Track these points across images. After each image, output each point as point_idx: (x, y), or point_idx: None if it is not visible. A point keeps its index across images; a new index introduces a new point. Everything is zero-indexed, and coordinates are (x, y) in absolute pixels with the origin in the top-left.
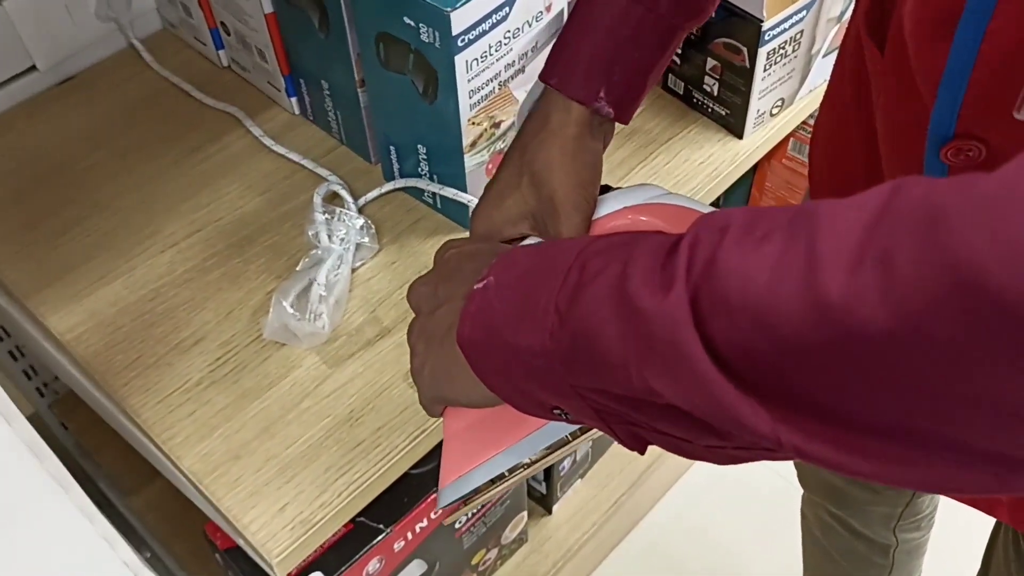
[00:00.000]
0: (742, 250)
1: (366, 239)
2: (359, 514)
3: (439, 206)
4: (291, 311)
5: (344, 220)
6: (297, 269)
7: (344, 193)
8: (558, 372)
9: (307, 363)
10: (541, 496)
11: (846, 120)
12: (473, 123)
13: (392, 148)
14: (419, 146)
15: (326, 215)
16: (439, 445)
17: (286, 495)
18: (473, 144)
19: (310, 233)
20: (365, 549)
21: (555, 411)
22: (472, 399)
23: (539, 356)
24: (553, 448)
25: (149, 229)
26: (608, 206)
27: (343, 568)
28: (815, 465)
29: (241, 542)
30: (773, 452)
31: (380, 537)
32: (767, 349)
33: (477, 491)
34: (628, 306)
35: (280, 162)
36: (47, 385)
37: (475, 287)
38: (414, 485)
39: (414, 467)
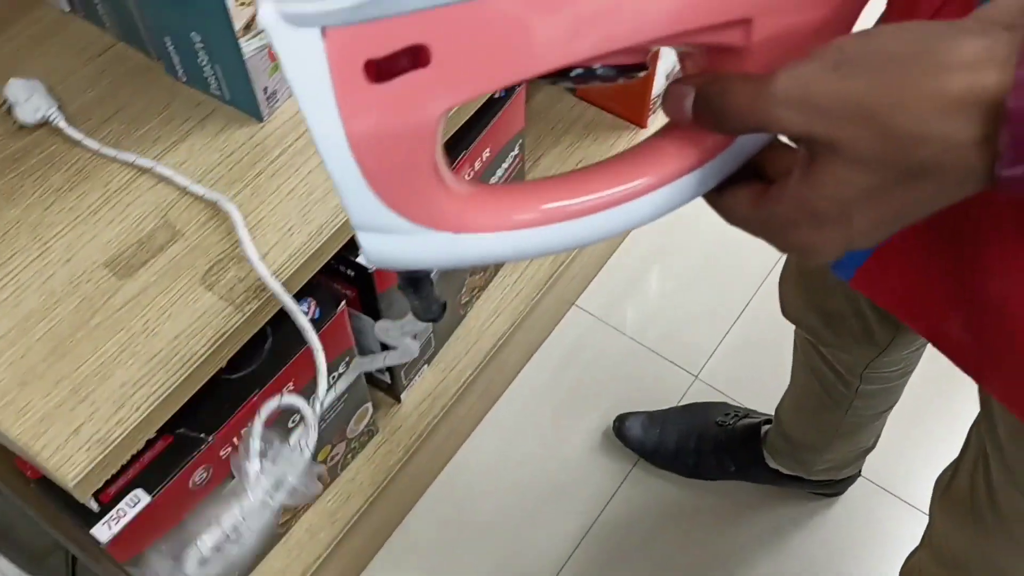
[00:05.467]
0: None
1: None
2: (178, 425)
3: (228, 98)
4: None
5: None
6: None
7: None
8: None
9: (96, 277)
10: (388, 386)
11: None
12: (243, 3)
13: (168, 40)
14: (192, 35)
15: None
16: (244, 348)
17: (80, 416)
18: (247, 28)
19: None
20: (186, 460)
21: None
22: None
23: None
24: None
25: None
26: None
27: (164, 482)
28: None
29: (41, 469)
30: None
31: (202, 447)
32: None
33: None
34: None
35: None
36: None
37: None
38: (234, 390)
39: (228, 372)
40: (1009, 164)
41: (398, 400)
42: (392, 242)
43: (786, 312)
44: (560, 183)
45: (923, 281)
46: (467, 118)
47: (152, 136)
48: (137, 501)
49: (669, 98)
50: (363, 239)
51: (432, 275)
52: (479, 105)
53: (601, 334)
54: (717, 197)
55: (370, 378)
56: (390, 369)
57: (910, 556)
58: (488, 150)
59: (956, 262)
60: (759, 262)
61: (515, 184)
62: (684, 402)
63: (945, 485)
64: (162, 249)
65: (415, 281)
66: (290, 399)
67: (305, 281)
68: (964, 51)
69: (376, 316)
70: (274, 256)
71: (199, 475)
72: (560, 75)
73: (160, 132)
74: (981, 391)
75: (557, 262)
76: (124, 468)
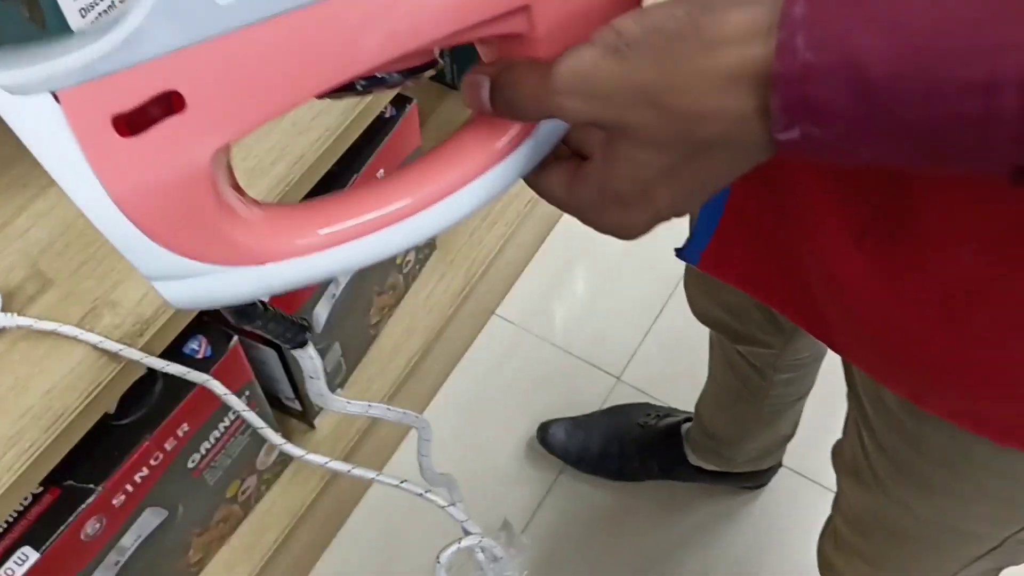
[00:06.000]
0: None
1: None
2: (65, 477)
3: None
4: None
5: None
6: None
7: None
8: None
9: None
10: (299, 412)
11: None
12: None
13: None
14: None
15: None
16: (133, 391)
17: None
18: None
19: None
20: (75, 513)
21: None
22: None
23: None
24: None
25: None
26: None
27: (53, 537)
28: None
29: None
30: None
31: (91, 497)
32: None
33: None
34: None
35: None
36: None
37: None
38: (123, 437)
39: (117, 419)
40: (783, 129)
41: (312, 426)
42: (195, 285)
43: (695, 312)
44: (369, 192)
45: (762, 256)
46: (355, 139)
47: (20, 182)
48: (25, 559)
49: (466, 89)
50: (161, 288)
51: (261, 301)
52: (366, 125)
53: (521, 342)
54: (535, 180)
55: (279, 405)
56: (299, 395)
57: (828, 520)
58: (383, 170)
59: (786, 235)
60: (674, 259)
61: (315, 201)
62: (608, 404)
63: (837, 452)
64: (32, 299)
65: (242, 313)
66: (468, 541)
67: (187, 323)
68: (731, 24)
69: (276, 345)
70: (153, 298)
71: (91, 526)
72: (344, 88)
73: (28, 178)
74: (843, 359)
75: (470, 273)
76: (10, 525)
